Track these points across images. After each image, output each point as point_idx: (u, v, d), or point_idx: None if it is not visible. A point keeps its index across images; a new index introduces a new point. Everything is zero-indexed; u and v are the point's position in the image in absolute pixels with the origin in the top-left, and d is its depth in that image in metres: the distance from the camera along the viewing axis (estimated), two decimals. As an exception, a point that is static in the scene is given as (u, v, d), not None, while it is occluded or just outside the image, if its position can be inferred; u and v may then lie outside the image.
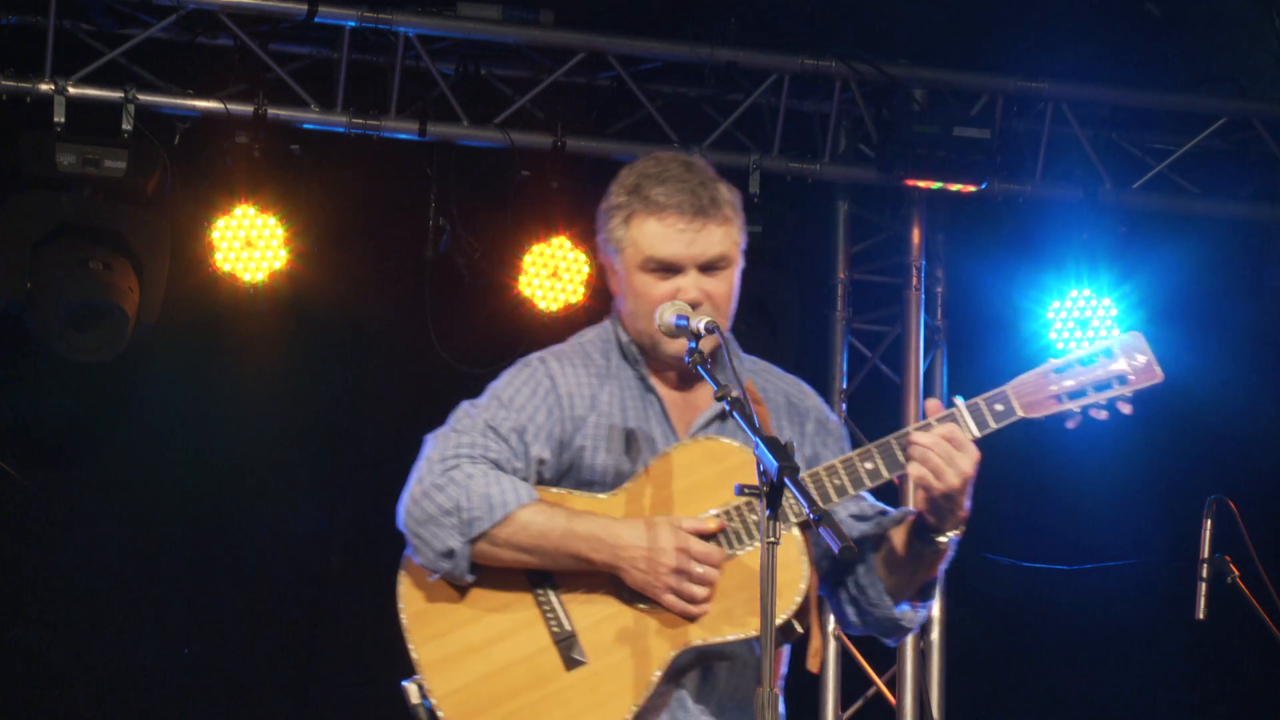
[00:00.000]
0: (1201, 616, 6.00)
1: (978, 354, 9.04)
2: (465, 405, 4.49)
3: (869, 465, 4.28)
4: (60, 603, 8.25)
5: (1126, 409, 4.36)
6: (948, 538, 4.33)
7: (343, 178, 8.23)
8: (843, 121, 8.76)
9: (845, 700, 8.72)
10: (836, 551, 3.73)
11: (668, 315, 4.26)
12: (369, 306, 8.59)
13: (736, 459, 4.26)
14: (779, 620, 4.14)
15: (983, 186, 8.53)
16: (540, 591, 4.29)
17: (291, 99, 8.11)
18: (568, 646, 4.23)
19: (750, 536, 4.24)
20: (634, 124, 8.60)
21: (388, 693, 8.49)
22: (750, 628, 4.18)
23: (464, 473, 4.29)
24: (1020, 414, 4.36)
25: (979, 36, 8.51)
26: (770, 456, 3.82)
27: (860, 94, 8.61)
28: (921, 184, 8.53)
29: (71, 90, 7.83)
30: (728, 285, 4.36)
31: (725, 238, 4.34)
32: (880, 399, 8.94)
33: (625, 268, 4.40)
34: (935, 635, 8.72)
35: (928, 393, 8.88)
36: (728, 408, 4.04)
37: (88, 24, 8.03)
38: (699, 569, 4.16)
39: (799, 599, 4.20)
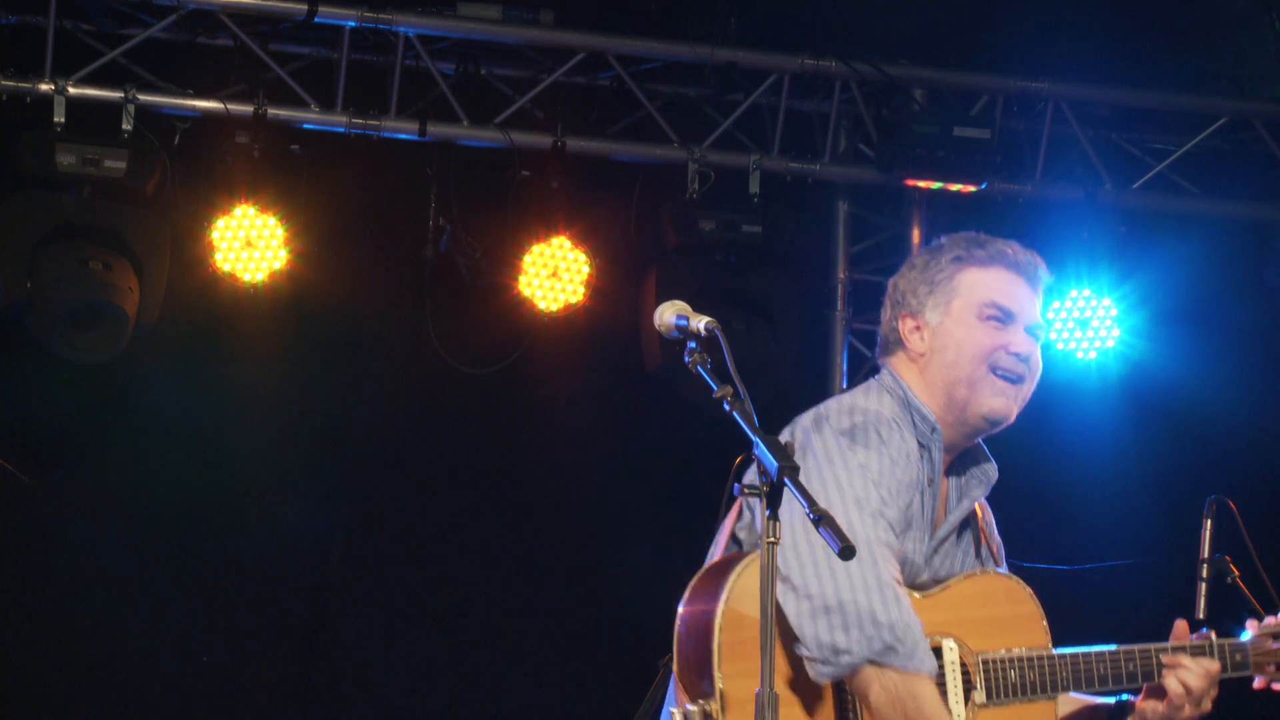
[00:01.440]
0: (1201, 616, 5.99)
1: (977, 354, 9.02)
2: (860, 470, 4.24)
3: (1130, 667, 4.45)
4: (60, 602, 8.25)
5: None
6: None
7: (343, 178, 8.23)
8: (843, 121, 8.76)
9: (845, 700, 8.72)
10: (836, 552, 3.73)
11: (667, 315, 4.24)
12: (369, 306, 8.58)
13: (1025, 608, 4.37)
14: None
15: (983, 186, 8.53)
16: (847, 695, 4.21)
17: (291, 99, 8.10)
18: None
19: (1013, 694, 4.27)
20: (634, 124, 8.60)
21: (388, 692, 8.53)
22: None
23: (899, 596, 4.15)
24: (1250, 672, 4.57)
25: (979, 36, 8.51)
26: (770, 457, 3.82)
27: (860, 94, 8.61)
28: (921, 184, 8.53)
29: (71, 90, 7.83)
30: (1040, 357, 4.42)
31: (1042, 309, 4.43)
32: (880, 399, 8.92)
33: (953, 319, 4.35)
34: (935, 635, 8.71)
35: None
36: (727, 407, 4.04)
37: (88, 24, 8.03)
38: None
39: None
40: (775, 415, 5.07)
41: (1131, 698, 4.49)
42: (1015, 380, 4.37)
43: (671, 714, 4.15)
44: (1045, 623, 4.38)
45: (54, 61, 7.83)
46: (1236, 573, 5.93)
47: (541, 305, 8.35)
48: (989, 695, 4.26)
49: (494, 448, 8.73)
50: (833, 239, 9.00)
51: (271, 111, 8.01)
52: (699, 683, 4.15)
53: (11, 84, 7.80)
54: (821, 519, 3.77)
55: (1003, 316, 4.36)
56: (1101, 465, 8.77)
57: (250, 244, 8.05)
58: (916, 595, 4.29)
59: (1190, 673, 4.37)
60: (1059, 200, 8.78)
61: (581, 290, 8.35)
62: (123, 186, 7.85)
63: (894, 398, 4.42)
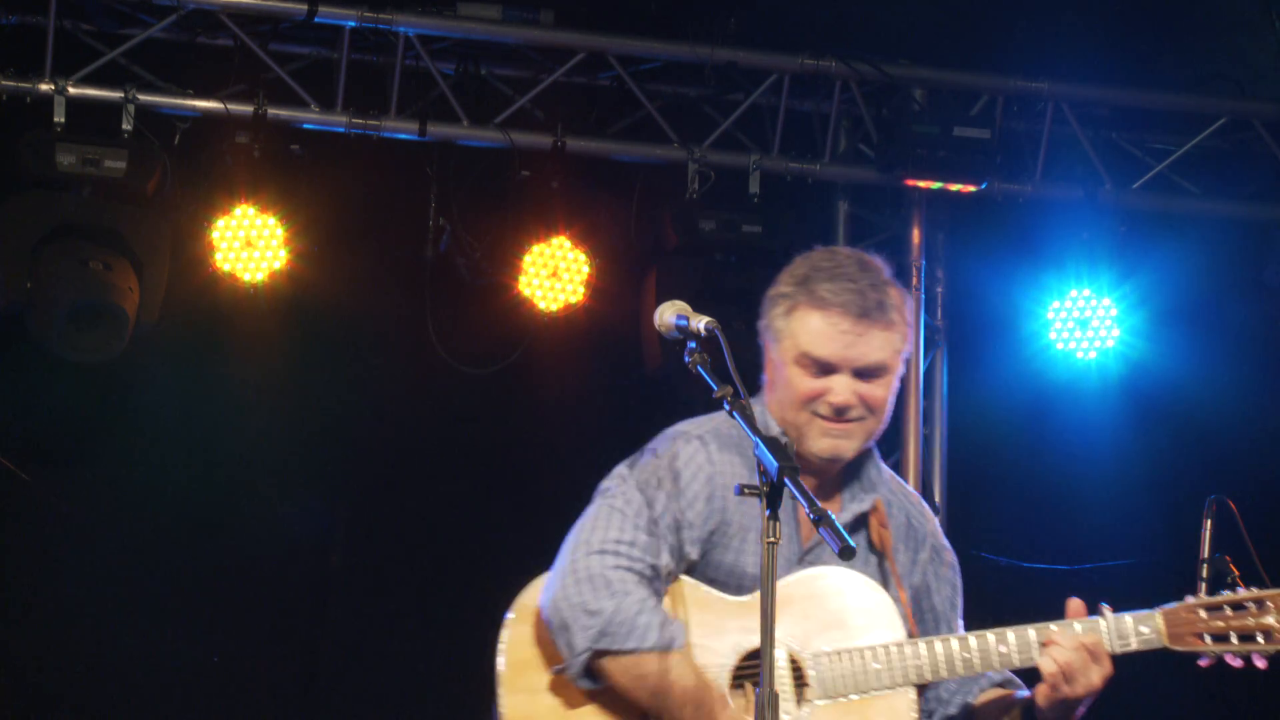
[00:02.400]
0: (1202, 616, 6.00)
1: (978, 354, 9.04)
2: (626, 475, 4.37)
3: (1002, 649, 4.28)
4: (60, 602, 8.24)
5: (1262, 664, 4.38)
6: None
7: (343, 178, 8.23)
8: (843, 121, 8.76)
9: (845, 700, 8.72)
10: (836, 551, 3.73)
11: (667, 315, 4.25)
12: (369, 306, 8.58)
13: (870, 600, 4.26)
14: None
15: (983, 186, 8.53)
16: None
17: (291, 99, 8.10)
18: None
19: (849, 687, 4.20)
20: (634, 124, 8.60)
21: (387, 692, 8.53)
22: None
23: (621, 580, 4.20)
24: (1164, 643, 4.37)
25: (979, 36, 8.51)
26: (770, 457, 3.82)
27: (860, 94, 8.61)
28: (921, 184, 8.53)
29: (71, 90, 7.83)
30: (885, 391, 4.33)
31: (886, 345, 4.29)
32: (880, 399, 8.92)
33: (780, 358, 4.34)
34: (935, 635, 8.72)
35: (928, 393, 8.88)
36: (727, 407, 4.04)
37: (88, 24, 8.03)
38: None
39: None
40: (775, 415, 5.06)
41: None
42: (845, 423, 4.30)
43: None
44: (899, 613, 4.26)
45: (54, 61, 7.83)
46: (1236, 573, 5.93)
47: (541, 305, 8.34)
48: (824, 691, 4.20)
49: (494, 448, 8.73)
50: (833, 239, 8.99)
51: (271, 111, 8.01)
52: (496, 705, 4.31)
53: (11, 84, 7.79)
54: (821, 519, 3.77)
55: (819, 369, 4.29)
56: (1101, 465, 8.77)
57: (250, 244, 8.05)
58: (731, 598, 4.27)
59: (1061, 649, 4.22)
60: (1059, 200, 8.78)
61: (581, 290, 8.35)
62: (123, 186, 7.84)
63: (736, 426, 4.34)
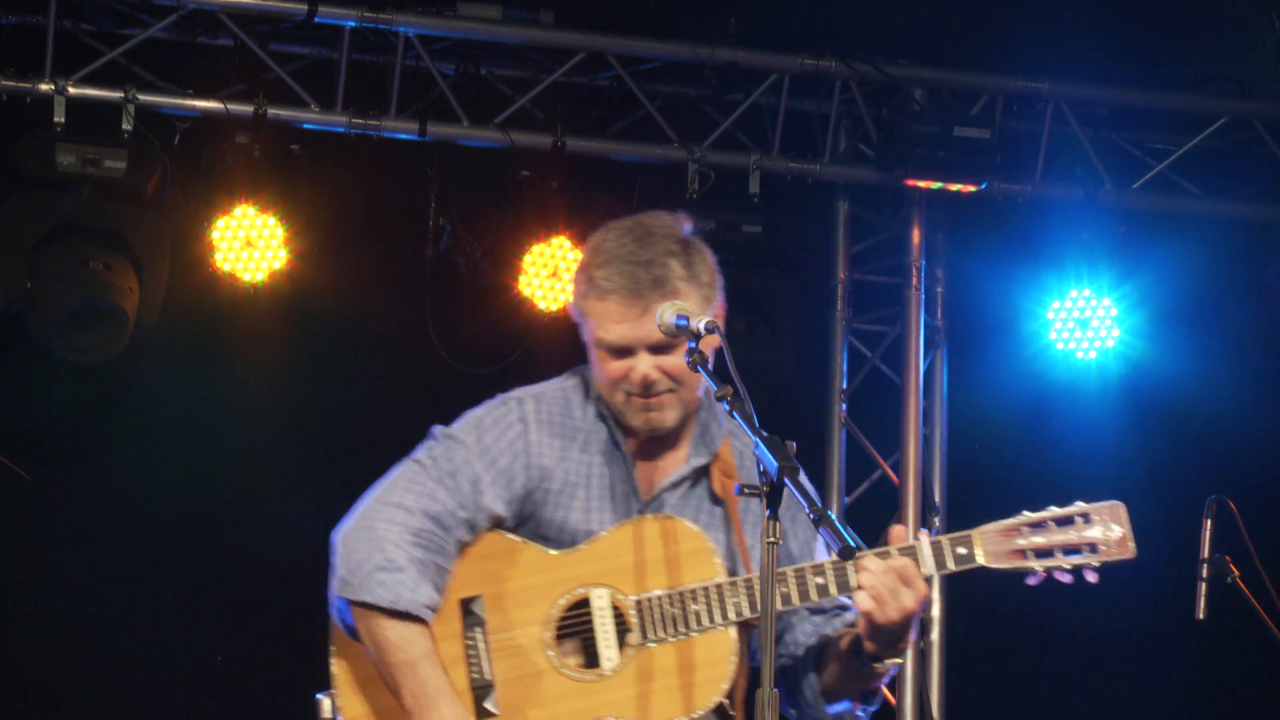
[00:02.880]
0: (1201, 616, 6.00)
1: (978, 354, 9.04)
2: (438, 435, 4.43)
3: (819, 580, 4.21)
4: (60, 602, 8.25)
5: (1093, 578, 4.34)
6: (885, 665, 4.25)
7: (343, 178, 8.23)
8: (843, 121, 8.76)
9: (845, 700, 8.72)
10: (836, 551, 3.73)
11: (668, 315, 4.25)
12: (369, 306, 8.58)
13: (692, 545, 4.24)
14: (699, 712, 4.16)
15: (983, 186, 8.53)
16: (470, 633, 4.27)
17: (291, 99, 8.11)
18: (482, 695, 4.22)
19: (669, 629, 4.19)
20: (634, 124, 8.60)
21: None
22: (663, 716, 4.15)
23: (386, 536, 4.24)
24: (981, 562, 4.24)
25: (979, 36, 8.51)
26: (770, 456, 3.82)
27: (860, 94, 8.61)
28: (921, 184, 8.53)
29: (71, 90, 7.83)
30: (681, 362, 4.24)
31: (673, 311, 4.22)
32: (880, 399, 8.94)
33: (588, 341, 4.38)
34: (935, 635, 8.72)
35: (928, 393, 8.88)
36: (727, 407, 4.04)
37: (88, 24, 8.03)
38: None
39: (719, 696, 4.18)
40: (775, 415, 5.08)
41: None
42: (654, 398, 4.27)
43: (319, 699, 4.29)
44: (718, 557, 4.22)
45: (54, 61, 7.83)
46: (1236, 573, 5.94)
47: (541, 305, 8.35)
48: (644, 635, 4.19)
49: (494, 448, 8.72)
50: (833, 239, 9.00)
51: (271, 111, 8.01)
52: (330, 670, 4.33)
53: (11, 84, 7.79)
54: (821, 519, 3.77)
55: (616, 352, 4.29)
56: (1101, 465, 8.76)
57: (250, 244, 8.05)
58: (553, 552, 4.27)
59: (869, 574, 4.08)
60: (1059, 200, 8.78)
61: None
62: (123, 186, 7.85)
63: (579, 385, 4.44)
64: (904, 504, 8.78)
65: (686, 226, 4.46)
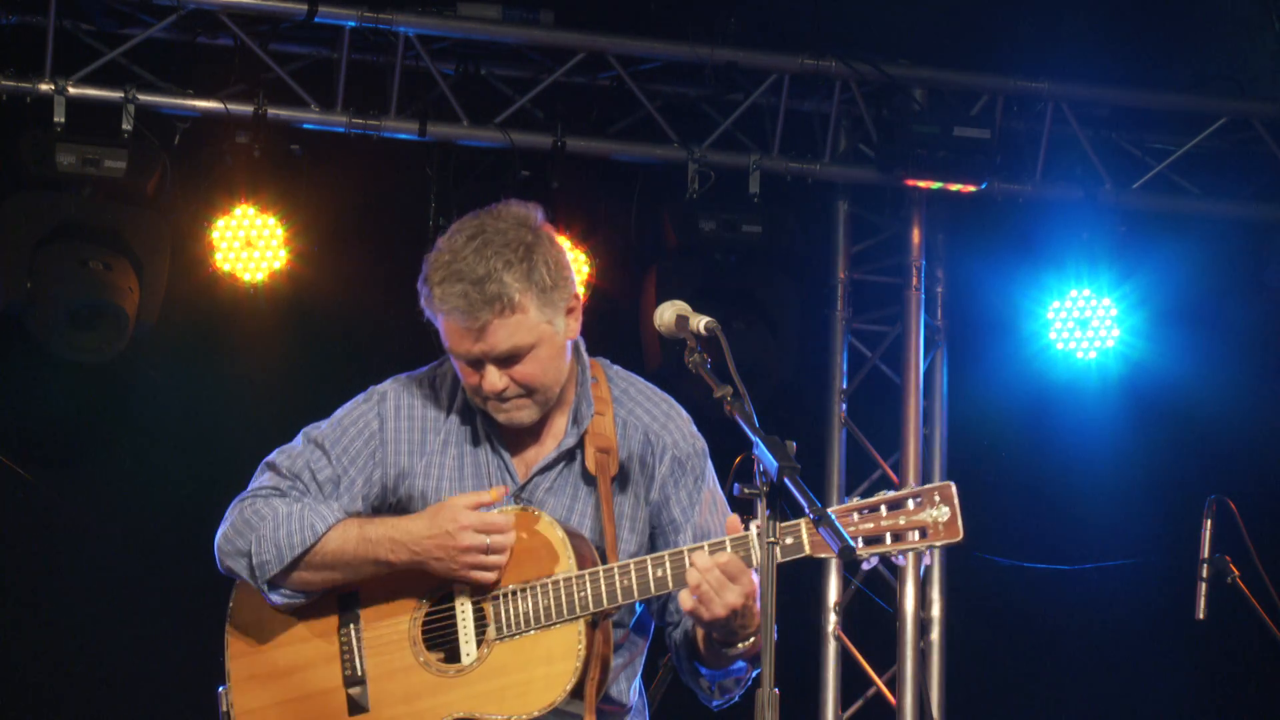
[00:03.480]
0: (1201, 616, 6.00)
1: (978, 354, 9.04)
2: (304, 433, 4.57)
3: (659, 573, 4.18)
4: (60, 601, 8.24)
5: (926, 561, 4.29)
6: (739, 649, 4.19)
7: (343, 178, 8.23)
8: (843, 121, 8.76)
9: (845, 700, 8.72)
10: (836, 551, 3.73)
11: (667, 315, 4.26)
12: (369, 306, 8.57)
13: (546, 536, 4.22)
14: (545, 707, 4.16)
15: (983, 186, 8.53)
16: (344, 629, 4.34)
17: (291, 99, 8.10)
18: (356, 691, 4.29)
19: (523, 624, 4.21)
20: (634, 124, 8.60)
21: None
22: (510, 712, 4.17)
23: (257, 512, 4.42)
24: (809, 551, 4.13)
25: (979, 36, 8.51)
26: (770, 456, 3.82)
27: (860, 94, 8.60)
28: (921, 184, 8.53)
29: (71, 90, 7.83)
30: (536, 366, 4.24)
31: (516, 329, 4.21)
32: (880, 399, 8.94)
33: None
34: (935, 635, 8.72)
35: (928, 393, 8.88)
36: (727, 407, 4.04)
37: (88, 24, 8.03)
38: (489, 539, 4.17)
39: (564, 691, 4.17)
40: (775, 415, 5.07)
41: None
42: (509, 402, 4.27)
43: (219, 693, 4.51)
44: (569, 548, 4.19)
45: (54, 61, 7.83)
46: (1236, 573, 5.95)
47: (541, 305, 8.33)
48: (499, 631, 4.21)
49: (494, 448, 8.72)
50: (833, 239, 9.00)
51: (271, 111, 8.01)
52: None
53: (11, 84, 7.80)
54: (821, 519, 3.77)
55: (467, 362, 4.27)
56: (1101, 465, 8.77)
57: (250, 244, 8.05)
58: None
59: (694, 571, 4.04)
60: (1059, 200, 8.78)
61: (581, 290, 8.34)
62: (123, 186, 7.85)
63: (452, 371, 4.41)
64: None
65: (534, 219, 4.35)
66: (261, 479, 4.51)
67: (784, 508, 3.79)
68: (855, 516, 4.14)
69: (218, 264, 8.06)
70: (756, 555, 4.09)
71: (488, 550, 4.18)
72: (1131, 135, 8.98)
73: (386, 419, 4.46)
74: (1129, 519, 8.91)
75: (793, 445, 4.01)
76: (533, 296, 4.24)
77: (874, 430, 8.91)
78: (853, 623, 8.78)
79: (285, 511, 4.37)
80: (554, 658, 4.18)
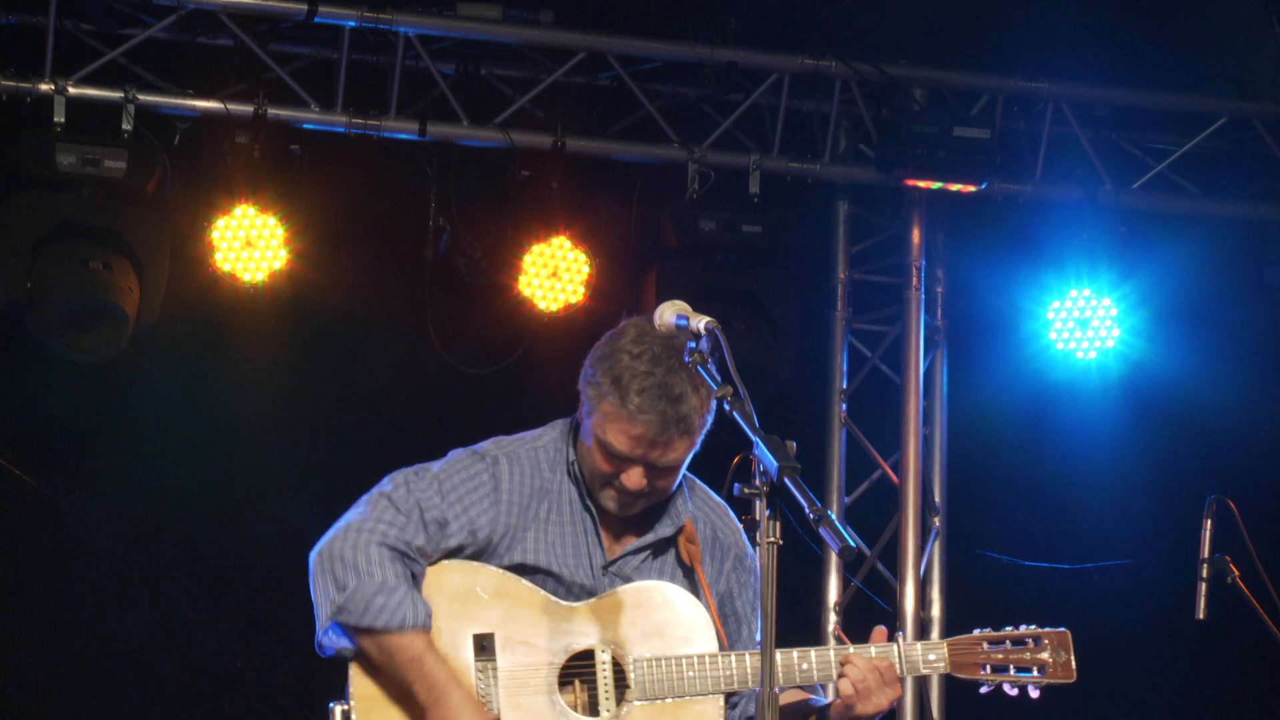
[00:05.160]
0: (1201, 616, 6.00)
1: (978, 354, 9.04)
2: (404, 473, 4.63)
3: (804, 666, 4.58)
4: (60, 602, 8.24)
5: (1035, 695, 4.82)
6: None
7: (343, 178, 8.23)
8: (843, 121, 8.76)
9: (845, 700, 8.72)
10: (836, 551, 3.74)
11: (667, 315, 4.29)
12: (369, 306, 8.58)
13: (692, 615, 4.54)
14: None
15: (983, 186, 8.53)
16: (480, 665, 4.47)
17: (291, 99, 8.11)
18: None
19: (664, 690, 4.48)
20: (634, 124, 8.60)
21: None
22: None
23: (370, 562, 4.45)
24: (947, 669, 4.74)
25: (979, 36, 8.52)
26: (770, 456, 3.82)
27: (860, 94, 8.61)
28: (921, 184, 8.53)
29: (71, 90, 7.83)
30: (673, 479, 4.57)
31: (683, 449, 4.52)
32: (880, 399, 8.94)
33: (588, 425, 4.53)
34: (935, 635, 8.72)
35: (928, 393, 8.89)
36: (727, 407, 4.05)
37: (88, 24, 8.03)
38: None
39: None
40: (775, 415, 5.08)
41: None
42: (632, 499, 4.55)
43: (331, 708, 4.52)
44: (713, 629, 4.55)
45: (54, 61, 7.83)
46: (1236, 573, 5.94)
47: (541, 305, 8.35)
48: (641, 693, 4.47)
49: (494, 448, 8.72)
50: (833, 239, 9.00)
51: (271, 111, 8.01)
52: (347, 685, 4.54)
53: (11, 84, 7.80)
54: (821, 519, 3.78)
55: (616, 457, 4.49)
56: (1101, 465, 8.77)
57: (250, 244, 8.05)
58: (564, 602, 4.52)
59: (856, 669, 4.54)
60: (1059, 200, 8.78)
61: (581, 290, 8.36)
62: (123, 186, 7.84)
63: (554, 443, 4.67)
64: (904, 504, 8.78)
65: (704, 343, 4.46)
66: (380, 508, 4.56)
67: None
68: (985, 646, 4.77)
69: (218, 264, 8.06)
70: (899, 666, 4.63)
71: None
72: (1131, 135, 8.98)
73: (501, 481, 4.59)
74: (1129, 519, 8.91)
75: (793, 445, 4.03)
76: (701, 423, 4.53)
77: (874, 430, 8.91)
78: (853, 623, 8.78)
79: (393, 584, 4.44)
80: None
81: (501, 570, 4.52)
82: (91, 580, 8.21)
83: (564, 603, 4.52)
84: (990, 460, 8.94)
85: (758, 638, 4.70)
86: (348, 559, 4.46)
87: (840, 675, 4.56)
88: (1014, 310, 8.96)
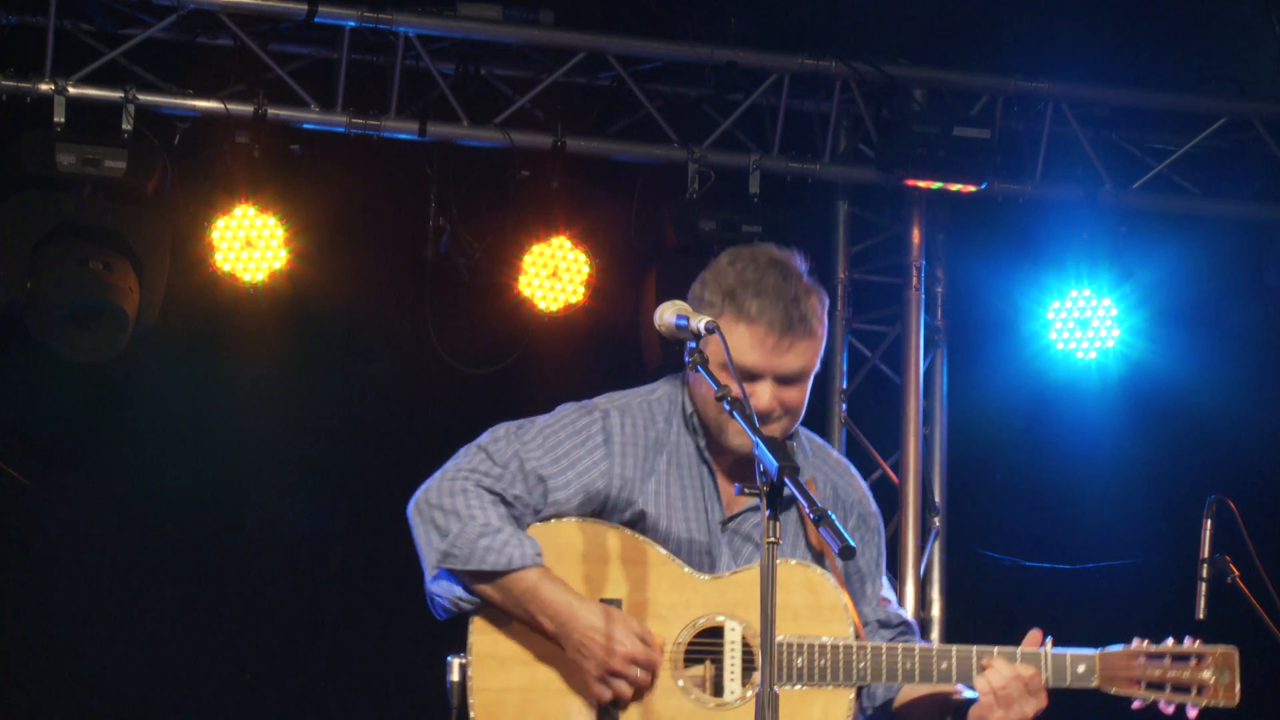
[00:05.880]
0: (1201, 616, 6.00)
1: (978, 354, 9.04)
2: (506, 426, 4.53)
3: (944, 665, 4.42)
4: (60, 602, 8.25)
5: (1193, 714, 4.54)
6: None
7: (343, 178, 8.23)
8: (843, 121, 8.76)
9: (845, 700, 8.72)
10: (836, 551, 3.74)
11: (667, 315, 4.28)
12: (369, 306, 8.58)
13: (829, 600, 4.38)
14: None
15: (983, 186, 8.53)
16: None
17: (291, 99, 8.11)
18: (610, 703, 4.31)
19: (795, 678, 4.32)
20: (634, 124, 8.60)
21: (387, 692, 8.50)
22: None
23: (469, 506, 4.37)
24: (1097, 684, 4.56)
25: (979, 36, 8.51)
26: (770, 456, 3.83)
27: (860, 94, 8.61)
28: (921, 184, 8.53)
29: (71, 90, 7.83)
30: (803, 393, 4.43)
31: (808, 352, 4.39)
32: (880, 399, 8.94)
33: (705, 354, 4.36)
34: (935, 635, 8.72)
35: (928, 393, 8.88)
36: (727, 407, 4.05)
37: (88, 24, 8.03)
38: (639, 673, 4.28)
39: None
40: (775, 415, 5.06)
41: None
42: (766, 425, 4.38)
43: (450, 661, 4.39)
44: (851, 615, 4.40)
45: (54, 61, 7.83)
46: (1236, 573, 5.94)
47: (541, 305, 8.35)
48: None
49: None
50: (833, 239, 9.00)
51: (271, 111, 8.01)
52: (466, 638, 4.43)
53: (11, 84, 7.80)
54: (821, 519, 3.78)
55: (743, 376, 4.34)
56: (1101, 465, 8.77)
57: (250, 244, 8.05)
58: (704, 576, 4.38)
59: (998, 674, 4.39)
60: (1059, 200, 8.78)
61: (581, 290, 8.36)
62: (123, 186, 7.84)
63: (667, 396, 4.55)
64: (904, 504, 8.78)
65: (805, 265, 4.54)
66: (474, 458, 4.48)
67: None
68: (1142, 660, 4.56)
69: (218, 264, 8.06)
70: (1045, 673, 4.46)
71: (632, 682, 4.28)
72: (1131, 135, 8.98)
73: (613, 434, 4.49)
74: (1129, 519, 8.91)
75: (792, 445, 4.03)
76: (822, 327, 4.44)
77: (874, 430, 8.91)
78: (853, 623, 8.78)
79: (496, 525, 4.37)
80: (825, 718, 4.31)
81: (627, 531, 4.40)
82: (91, 579, 8.21)
83: (695, 574, 4.38)
84: (990, 460, 8.94)
85: (883, 593, 4.65)
86: (446, 505, 4.39)
87: (979, 677, 4.41)
88: (1014, 310, 8.96)
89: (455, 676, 4.35)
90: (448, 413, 8.66)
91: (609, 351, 8.58)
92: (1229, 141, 9.02)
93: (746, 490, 3.90)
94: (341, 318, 8.48)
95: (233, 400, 8.33)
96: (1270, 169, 8.91)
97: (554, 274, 8.33)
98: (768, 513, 3.81)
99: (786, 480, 3.80)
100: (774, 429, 4.39)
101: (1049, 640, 4.51)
